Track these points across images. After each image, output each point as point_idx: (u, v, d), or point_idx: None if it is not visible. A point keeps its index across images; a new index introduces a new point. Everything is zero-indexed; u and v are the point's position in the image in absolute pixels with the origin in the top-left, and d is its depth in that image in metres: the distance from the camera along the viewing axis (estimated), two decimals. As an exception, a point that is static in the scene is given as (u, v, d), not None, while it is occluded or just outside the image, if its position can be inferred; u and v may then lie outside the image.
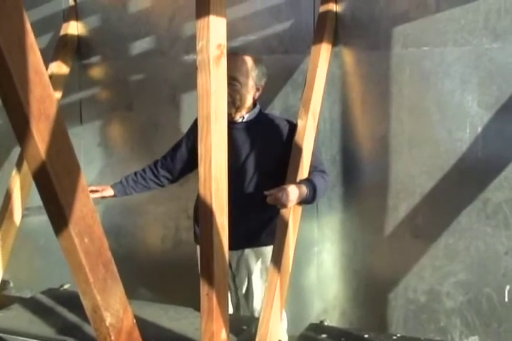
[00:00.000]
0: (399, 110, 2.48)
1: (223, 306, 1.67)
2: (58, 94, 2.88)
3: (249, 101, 2.26)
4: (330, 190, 2.46)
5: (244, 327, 1.96)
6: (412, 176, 2.47)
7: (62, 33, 3.02)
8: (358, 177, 2.59)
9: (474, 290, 2.42)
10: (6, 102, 1.08)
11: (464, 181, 2.40)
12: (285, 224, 2.07)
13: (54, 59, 2.94)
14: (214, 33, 1.51)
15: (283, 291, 2.02)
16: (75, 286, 1.26)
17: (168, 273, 2.96)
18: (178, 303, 2.20)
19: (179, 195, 2.87)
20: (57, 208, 1.15)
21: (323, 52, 2.43)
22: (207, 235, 1.61)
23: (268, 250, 2.23)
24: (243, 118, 2.28)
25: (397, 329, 2.55)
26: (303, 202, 2.14)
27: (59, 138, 1.13)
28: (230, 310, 2.24)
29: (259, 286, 2.32)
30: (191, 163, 2.23)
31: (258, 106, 2.33)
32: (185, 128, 2.54)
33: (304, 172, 2.20)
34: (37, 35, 1.08)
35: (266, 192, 2.04)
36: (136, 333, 1.38)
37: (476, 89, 2.34)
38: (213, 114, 1.54)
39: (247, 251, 2.31)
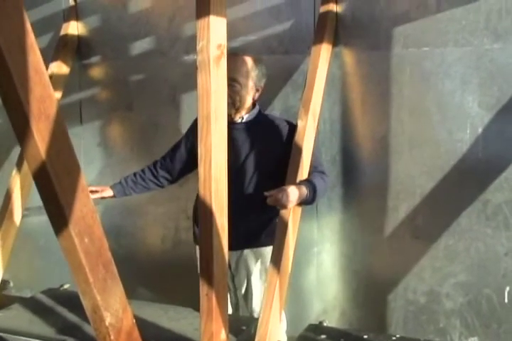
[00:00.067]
0: (399, 110, 2.47)
1: (223, 306, 1.67)
2: (58, 94, 2.88)
3: (248, 102, 2.26)
4: (330, 191, 2.46)
5: (244, 328, 1.96)
6: (412, 177, 2.47)
7: (62, 33, 3.02)
8: (357, 177, 2.59)
9: (474, 291, 2.42)
10: (6, 102, 1.08)
11: (464, 182, 2.40)
12: (285, 225, 2.07)
13: (54, 59, 2.94)
14: (214, 33, 1.51)
15: (282, 292, 2.02)
16: (75, 286, 1.26)
17: (168, 274, 2.95)
18: (177, 303, 2.20)
19: (179, 196, 2.87)
20: (57, 208, 1.15)
21: (324, 52, 2.42)
22: (206, 236, 1.61)
23: (267, 250, 2.23)
24: (242, 118, 2.28)
25: (396, 330, 2.54)
26: (303, 202, 2.14)
27: (59, 138, 1.13)
28: (229, 311, 2.24)
29: (258, 287, 2.32)
30: (190, 164, 2.23)
31: (257, 107, 2.33)
32: (185, 128, 2.54)
33: (303, 173, 2.19)
34: (37, 35, 1.08)
35: (266, 193, 2.03)
36: (136, 333, 1.38)
37: (477, 90, 2.34)
38: (213, 114, 1.54)
39: (247, 252, 2.31)
